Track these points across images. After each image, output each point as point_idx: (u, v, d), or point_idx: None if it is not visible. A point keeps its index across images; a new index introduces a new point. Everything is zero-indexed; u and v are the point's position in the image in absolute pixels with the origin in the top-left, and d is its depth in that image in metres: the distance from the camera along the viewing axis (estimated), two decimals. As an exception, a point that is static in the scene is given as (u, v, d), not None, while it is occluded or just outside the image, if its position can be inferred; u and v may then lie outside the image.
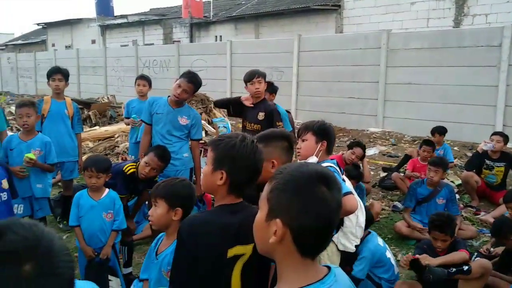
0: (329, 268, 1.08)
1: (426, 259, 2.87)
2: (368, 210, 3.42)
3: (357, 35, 10.64)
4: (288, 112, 4.99)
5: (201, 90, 10.29)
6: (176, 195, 2.08)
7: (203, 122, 8.63)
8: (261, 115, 3.78)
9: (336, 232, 2.55)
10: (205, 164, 1.66)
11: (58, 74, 4.31)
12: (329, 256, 2.53)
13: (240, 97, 4.03)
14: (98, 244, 2.92)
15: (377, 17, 13.63)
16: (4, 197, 2.84)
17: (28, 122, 3.45)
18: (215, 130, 8.37)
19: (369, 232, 3.26)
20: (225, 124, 8.84)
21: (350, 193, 2.19)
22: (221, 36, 17.77)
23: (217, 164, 1.56)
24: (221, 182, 1.55)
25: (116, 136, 7.63)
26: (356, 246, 2.66)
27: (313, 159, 2.32)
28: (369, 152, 7.50)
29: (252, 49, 12.53)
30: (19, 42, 33.53)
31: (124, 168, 3.34)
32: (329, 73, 10.52)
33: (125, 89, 16.13)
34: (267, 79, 4.06)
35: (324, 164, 2.31)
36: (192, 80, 3.67)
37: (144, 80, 5.20)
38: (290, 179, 1.05)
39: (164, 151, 3.35)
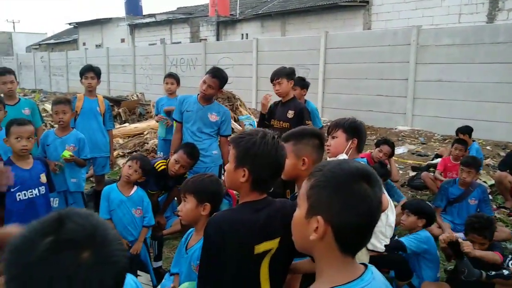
0: (365, 266, 1.08)
1: (468, 247, 2.78)
2: None
3: (386, 32, 10.45)
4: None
5: (228, 88, 10.39)
6: (204, 191, 2.10)
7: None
8: (290, 113, 3.77)
9: None
10: None
11: (90, 72, 4.45)
12: (358, 256, 2.51)
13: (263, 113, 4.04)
14: (129, 238, 3.01)
15: (407, 13, 13.35)
16: (43, 191, 2.95)
17: (63, 119, 3.58)
18: (241, 128, 8.42)
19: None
20: (251, 121, 8.89)
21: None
22: (247, 34, 17.82)
23: (239, 161, 1.58)
24: (244, 179, 1.57)
25: (145, 133, 7.79)
26: (386, 246, 2.63)
27: (343, 157, 2.30)
28: (398, 150, 7.37)
29: (278, 47, 12.51)
30: (52, 41, 34.65)
31: (155, 165, 3.42)
32: (356, 70, 10.39)
33: (153, 87, 16.44)
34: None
35: None
36: (216, 74, 3.69)
37: (173, 78, 5.28)
38: (331, 176, 1.05)
39: (193, 148, 3.41)
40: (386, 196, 2.22)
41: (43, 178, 2.95)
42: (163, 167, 3.42)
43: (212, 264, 1.55)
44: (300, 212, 1.09)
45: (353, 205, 1.01)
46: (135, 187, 3.10)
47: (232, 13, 18.58)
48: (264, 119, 4.02)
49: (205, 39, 18.25)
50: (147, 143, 7.19)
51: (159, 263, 3.50)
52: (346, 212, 1.00)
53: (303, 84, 4.65)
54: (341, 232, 1.02)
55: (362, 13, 14.50)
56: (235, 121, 8.92)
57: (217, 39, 18.57)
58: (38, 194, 2.92)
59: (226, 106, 9.49)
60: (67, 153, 3.43)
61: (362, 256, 2.59)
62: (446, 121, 8.59)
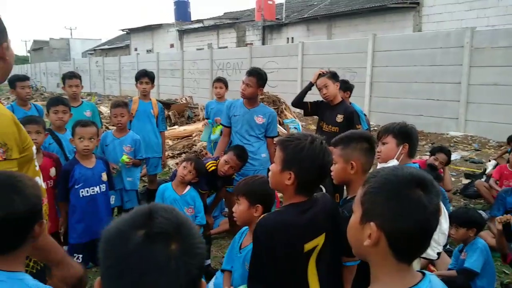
0: (423, 273, 1.06)
1: None
2: None
3: (438, 34, 10.09)
4: (363, 114, 4.92)
5: (273, 91, 10.45)
6: (255, 192, 2.15)
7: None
8: (339, 117, 3.74)
9: None
10: None
11: (145, 77, 4.67)
12: None
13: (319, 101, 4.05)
14: None
15: (460, 14, 12.82)
16: (103, 189, 3.14)
17: (121, 121, 3.80)
18: (286, 131, 8.46)
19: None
20: (296, 125, 8.89)
21: None
22: (292, 38, 17.85)
23: (286, 164, 1.60)
24: (289, 182, 1.59)
25: (193, 135, 8.02)
26: (438, 254, 2.57)
27: (393, 163, 2.28)
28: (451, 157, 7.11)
29: (324, 50, 12.44)
30: (106, 47, 36.46)
31: (205, 165, 3.55)
32: (405, 73, 10.12)
33: (200, 91, 16.87)
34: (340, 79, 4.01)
35: None
36: (252, 73, 3.72)
37: (221, 82, 5.41)
38: (385, 182, 1.04)
39: (243, 150, 3.50)
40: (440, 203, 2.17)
41: (104, 176, 3.14)
42: (213, 167, 3.53)
43: (261, 265, 1.60)
44: (355, 217, 1.10)
45: (406, 212, 0.99)
46: (189, 187, 3.23)
47: (278, 17, 18.68)
48: (310, 88, 4.07)
49: (251, 44, 18.48)
50: (195, 145, 7.40)
51: (208, 262, 3.61)
52: (399, 219, 0.99)
53: (346, 86, 4.59)
54: (395, 239, 1.00)
55: (412, 15, 14.09)
56: (280, 124, 8.99)
57: (263, 43, 18.74)
58: (99, 192, 3.10)
59: (271, 109, 9.59)
60: (125, 158, 3.63)
61: (414, 263, 2.55)
62: (502, 126, 8.15)
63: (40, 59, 42.56)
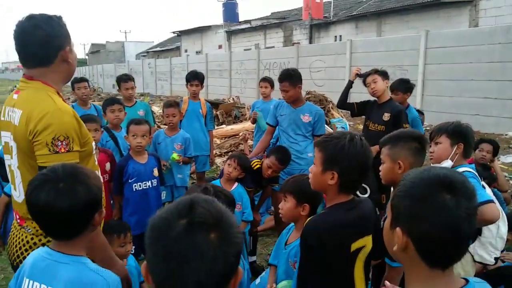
0: (467, 280, 1.03)
1: None
2: None
3: (496, 29, 9.53)
4: (420, 112, 4.73)
5: (320, 90, 10.35)
6: (303, 192, 2.14)
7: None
8: (386, 116, 3.66)
9: (472, 242, 2.40)
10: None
11: (195, 80, 4.81)
12: (463, 266, 2.39)
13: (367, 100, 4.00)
14: None
15: (522, 7, 12.03)
16: (155, 183, 3.30)
17: (173, 120, 3.96)
18: (332, 131, 8.37)
19: None
20: (343, 124, 8.76)
21: (491, 201, 2.02)
22: (340, 36, 17.58)
23: (327, 164, 1.61)
24: (333, 182, 1.60)
25: (240, 134, 8.15)
26: (496, 259, 2.46)
27: (447, 163, 2.21)
28: (508, 159, 6.71)
29: (374, 48, 12.15)
30: (158, 49, 37.83)
31: (251, 164, 3.61)
32: (460, 70, 9.65)
33: (247, 91, 17.06)
34: (393, 78, 3.92)
35: (461, 169, 2.18)
36: (282, 78, 3.73)
37: (267, 82, 5.45)
38: (410, 186, 1.02)
39: (284, 153, 3.49)
40: (496, 206, 2.07)
41: (156, 172, 3.30)
42: (258, 165, 3.59)
43: (310, 265, 1.62)
44: (387, 221, 1.09)
45: (431, 216, 0.96)
46: (236, 184, 3.30)
47: (325, 15, 18.46)
48: (351, 86, 4.09)
49: (298, 43, 18.42)
50: (242, 144, 7.52)
51: (253, 258, 3.67)
52: (423, 224, 0.96)
53: (406, 87, 4.36)
54: (422, 244, 0.98)
55: (468, 9, 13.39)
56: (327, 124, 8.90)
57: (310, 42, 18.60)
58: (150, 186, 3.26)
59: (318, 109, 9.52)
60: (175, 156, 3.79)
61: (467, 266, 2.46)
62: None
63: (97, 61, 44.98)
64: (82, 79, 4.62)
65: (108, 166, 3.28)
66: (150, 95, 23.21)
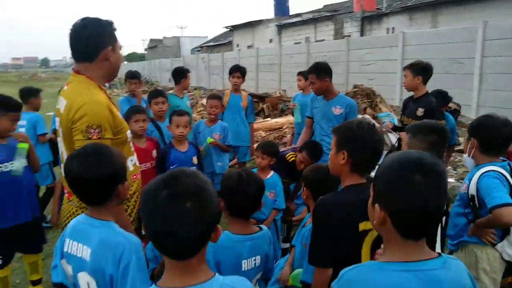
0: (440, 255, 1.16)
1: None
2: None
3: None
4: (455, 111, 4.62)
5: (370, 84, 10.16)
6: (315, 180, 2.34)
7: (367, 116, 8.59)
8: (420, 111, 3.65)
9: (501, 240, 2.39)
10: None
11: (237, 72, 5.04)
12: (490, 261, 2.39)
13: None
14: (261, 216, 3.38)
15: None
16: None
17: (215, 112, 4.21)
18: (379, 125, 8.25)
19: None
20: (390, 118, 8.60)
21: (509, 204, 2.02)
22: (393, 28, 17.04)
23: (339, 146, 1.77)
24: (344, 162, 1.74)
25: (284, 127, 8.30)
26: None
27: (466, 159, 2.22)
28: None
29: (428, 40, 11.68)
30: (211, 44, 38.70)
31: (286, 156, 3.76)
32: (521, 64, 9.07)
33: (296, 84, 17.05)
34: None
35: (483, 170, 2.17)
36: (308, 72, 3.91)
37: (301, 75, 5.58)
38: (387, 167, 1.17)
39: (315, 148, 3.61)
40: None
41: (195, 160, 3.56)
42: (293, 158, 3.72)
43: (319, 241, 1.75)
44: (370, 199, 1.26)
45: (403, 194, 1.10)
46: (272, 172, 3.47)
47: (378, 7, 17.97)
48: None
49: (349, 36, 18.10)
50: (285, 137, 7.67)
51: (287, 245, 3.82)
52: (397, 201, 1.11)
53: (444, 99, 4.36)
54: (396, 219, 1.13)
55: (535, -3, 12.47)
56: (373, 118, 8.77)
57: (361, 35, 18.21)
58: None
59: (364, 102, 9.39)
60: (210, 139, 4.05)
61: (494, 263, 2.45)
62: None
63: (154, 56, 46.92)
64: (134, 76, 5.02)
65: (154, 153, 3.58)
66: (203, 88, 23.91)
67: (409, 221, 1.12)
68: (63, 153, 1.98)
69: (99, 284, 1.42)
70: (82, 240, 1.47)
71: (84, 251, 1.45)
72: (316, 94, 3.96)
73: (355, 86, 9.43)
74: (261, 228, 2.01)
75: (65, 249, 1.50)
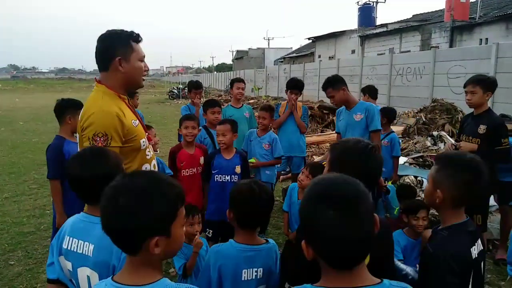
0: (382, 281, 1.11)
1: None
2: None
3: None
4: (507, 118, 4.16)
5: (457, 99, 9.40)
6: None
7: (443, 133, 8.01)
8: (482, 128, 3.33)
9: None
10: None
11: (295, 89, 5.03)
12: None
13: None
14: (295, 226, 3.35)
15: None
16: (235, 179, 3.54)
17: (263, 122, 4.29)
18: (450, 142, 7.61)
19: None
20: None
21: None
22: (486, 39, 15.64)
23: (331, 166, 1.66)
24: None
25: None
26: None
27: None
28: None
29: (526, 52, 10.55)
30: (294, 55, 39.03)
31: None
32: None
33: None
34: None
35: None
36: (324, 86, 4.00)
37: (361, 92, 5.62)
38: (304, 201, 1.15)
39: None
40: None
41: (238, 169, 3.57)
42: None
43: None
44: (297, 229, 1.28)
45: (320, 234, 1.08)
46: None
47: (472, 16, 16.66)
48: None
49: (436, 47, 17.02)
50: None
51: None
52: (317, 241, 1.11)
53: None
54: (323, 255, 1.11)
55: None
56: (452, 135, 8.12)
57: (450, 46, 17.00)
58: (229, 181, 3.54)
59: (443, 118, 8.77)
60: (253, 159, 4.12)
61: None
62: None
63: (240, 66, 48.64)
64: (198, 87, 5.38)
65: (202, 160, 3.76)
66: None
67: (335, 258, 1.07)
68: None
69: (102, 276, 1.50)
70: (83, 237, 1.58)
71: (85, 248, 1.56)
72: (338, 106, 4.07)
73: (434, 101, 8.86)
74: (267, 241, 1.99)
75: (65, 246, 1.61)
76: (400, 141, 6.65)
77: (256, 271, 1.89)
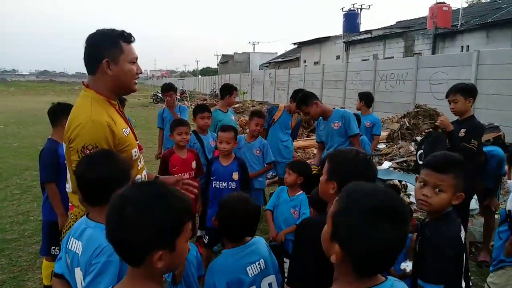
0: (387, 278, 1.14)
1: None
2: None
3: None
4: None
5: (440, 104, 9.56)
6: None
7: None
8: (462, 132, 3.50)
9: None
10: None
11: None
12: None
13: None
14: (279, 230, 3.37)
15: None
16: (232, 186, 3.55)
17: (260, 130, 4.33)
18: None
19: None
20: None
21: None
22: (468, 46, 16.05)
23: (330, 175, 1.69)
24: (333, 192, 1.66)
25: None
26: None
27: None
28: None
29: (505, 59, 10.80)
30: (279, 60, 39.31)
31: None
32: None
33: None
34: None
35: None
36: (297, 106, 4.23)
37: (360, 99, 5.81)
38: (348, 209, 1.16)
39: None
40: None
41: (235, 175, 3.57)
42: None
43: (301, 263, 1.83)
44: (327, 230, 1.23)
45: (368, 243, 1.08)
46: (300, 191, 3.46)
47: (454, 23, 17.08)
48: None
49: (419, 53, 17.37)
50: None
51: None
52: (360, 248, 1.10)
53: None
54: (357, 263, 1.11)
55: None
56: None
57: (433, 53, 17.39)
58: (226, 187, 3.54)
59: (426, 124, 8.95)
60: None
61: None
62: None
63: (226, 71, 48.68)
64: (170, 88, 5.61)
65: (194, 164, 3.75)
66: (268, 103, 24.27)
67: (371, 266, 1.10)
68: (68, 167, 1.93)
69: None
70: (79, 237, 1.61)
71: (78, 247, 1.59)
72: (316, 119, 4.20)
73: (417, 106, 9.05)
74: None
75: (68, 246, 1.65)
76: (381, 127, 6.54)
77: (259, 263, 1.96)
